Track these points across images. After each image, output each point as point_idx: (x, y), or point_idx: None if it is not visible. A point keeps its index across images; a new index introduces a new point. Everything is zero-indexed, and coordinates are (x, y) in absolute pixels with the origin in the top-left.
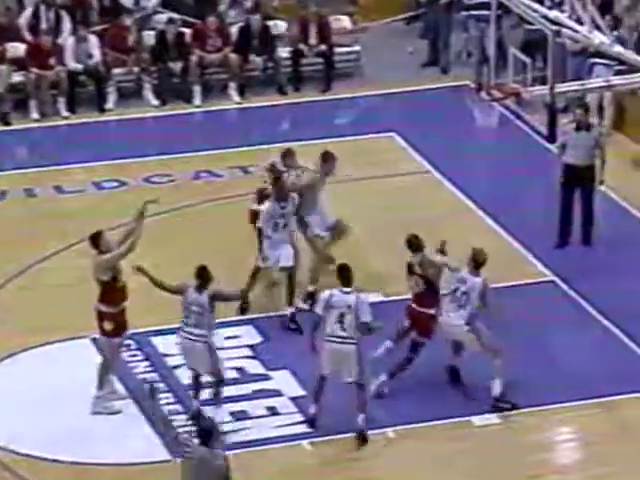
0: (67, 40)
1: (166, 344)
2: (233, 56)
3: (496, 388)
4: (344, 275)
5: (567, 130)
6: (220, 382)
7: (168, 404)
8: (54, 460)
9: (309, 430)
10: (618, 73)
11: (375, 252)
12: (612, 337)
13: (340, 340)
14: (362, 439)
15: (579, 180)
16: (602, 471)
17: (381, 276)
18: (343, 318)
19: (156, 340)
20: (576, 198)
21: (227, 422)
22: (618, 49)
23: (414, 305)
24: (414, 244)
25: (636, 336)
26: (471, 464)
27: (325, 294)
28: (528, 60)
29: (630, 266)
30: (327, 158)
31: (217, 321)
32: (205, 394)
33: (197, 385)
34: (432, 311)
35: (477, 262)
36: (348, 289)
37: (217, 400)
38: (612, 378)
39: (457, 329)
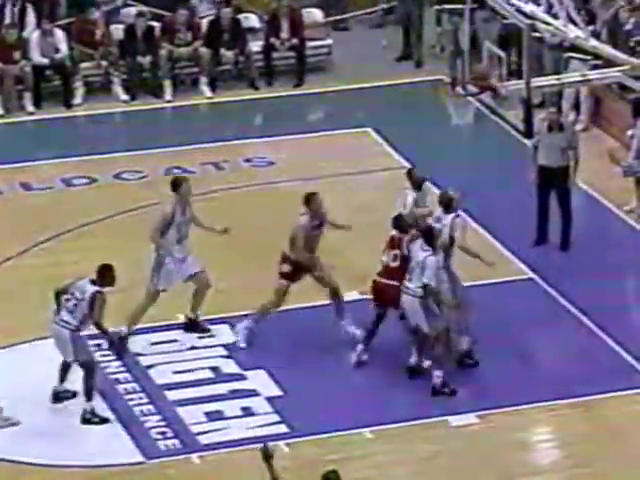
0: (32, 34)
1: (139, 344)
2: (203, 50)
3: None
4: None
5: (539, 130)
6: (89, 373)
7: (141, 404)
8: (25, 462)
9: (286, 431)
10: (594, 68)
11: (351, 251)
12: (592, 335)
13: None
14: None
15: (553, 182)
16: (582, 471)
17: (358, 275)
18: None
19: (129, 340)
20: (553, 198)
21: (202, 422)
22: (593, 43)
23: (382, 279)
24: (401, 225)
25: (616, 334)
26: (448, 465)
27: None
28: (503, 54)
29: (608, 263)
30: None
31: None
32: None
33: (63, 372)
34: (398, 283)
35: (443, 203)
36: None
37: (88, 393)
38: (592, 377)
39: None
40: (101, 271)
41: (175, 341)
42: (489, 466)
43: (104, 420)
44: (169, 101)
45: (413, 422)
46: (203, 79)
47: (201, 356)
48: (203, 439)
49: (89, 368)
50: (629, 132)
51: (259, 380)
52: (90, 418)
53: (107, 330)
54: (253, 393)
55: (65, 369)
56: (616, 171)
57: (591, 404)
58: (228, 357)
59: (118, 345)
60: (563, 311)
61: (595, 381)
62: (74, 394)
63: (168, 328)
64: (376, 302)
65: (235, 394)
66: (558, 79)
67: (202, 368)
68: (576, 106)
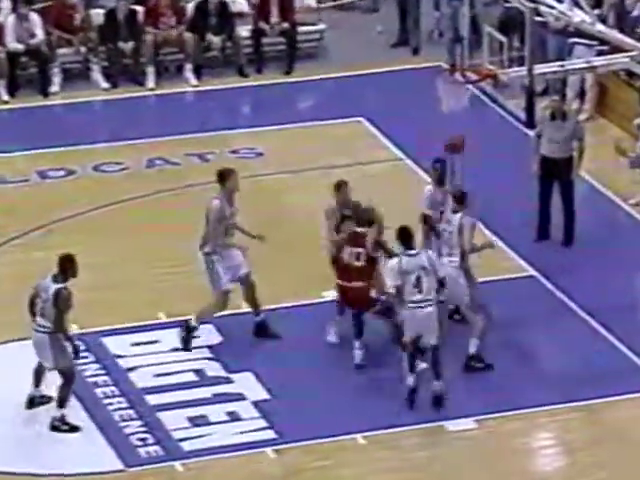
0: (7, 18)
1: (119, 345)
2: (188, 35)
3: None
4: (406, 237)
5: (542, 119)
6: (67, 381)
7: (120, 409)
8: (6, 472)
9: (273, 436)
10: (600, 54)
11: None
12: (596, 335)
13: (419, 305)
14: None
15: (555, 173)
16: (585, 478)
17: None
18: (420, 281)
19: (108, 341)
20: (556, 190)
21: (185, 428)
22: (600, 28)
23: (346, 282)
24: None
25: (621, 334)
26: (445, 472)
27: (392, 262)
28: (504, 40)
29: (613, 259)
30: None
31: (173, 319)
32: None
33: (38, 376)
34: (364, 284)
35: (457, 199)
36: (414, 251)
37: (60, 400)
38: (596, 379)
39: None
40: (62, 264)
41: (157, 342)
42: (488, 473)
43: (74, 428)
44: (152, 89)
45: (408, 427)
46: (188, 66)
47: (184, 358)
48: (186, 445)
49: (68, 376)
50: (636, 121)
51: (245, 383)
52: (59, 426)
53: (69, 334)
54: (239, 397)
55: (39, 373)
56: (622, 162)
57: (595, 407)
58: (213, 359)
59: (185, 335)
60: (565, 310)
61: (599, 383)
62: (50, 399)
63: (150, 328)
64: (347, 305)
65: (220, 398)
66: (562, 66)
67: (185, 371)
68: (580, 94)
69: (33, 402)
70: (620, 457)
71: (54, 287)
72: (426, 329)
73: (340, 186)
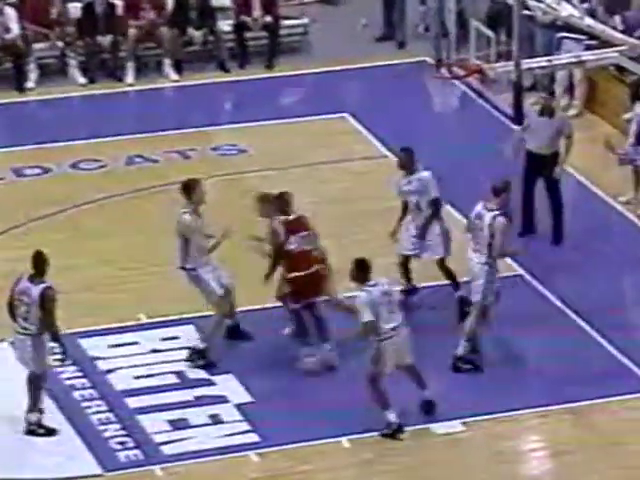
0: None
1: (97, 346)
2: (166, 30)
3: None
4: (365, 269)
5: (528, 113)
6: (39, 385)
7: (99, 412)
8: None
9: (256, 440)
10: (589, 48)
11: (327, 245)
12: (585, 336)
13: (396, 331)
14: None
15: (541, 170)
16: None
17: (337, 269)
18: (390, 306)
19: (85, 342)
20: (541, 187)
21: (165, 431)
22: (588, 22)
23: (302, 272)
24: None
25: (610, 334)
26: (431, 476)
27: (363, 296)
28: (491, 34)
29: (602, 258)
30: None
31: (154, 320)
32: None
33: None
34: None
35: (495, 189)
36: (372, 282)
37: (34, 403)
38: (585, 381)
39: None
40: (36, 263)
41: (136, 343)
42: (475, 477)
43: (51, 431)
44: (131, 84)
45: None
46: (167, 61)
47: (165, 360)
48: (167, 449)
49: (39, 380)
50: (626, 116)
51: (228, 385)
52: (35, 429)
53: (59, 335)
54: (221, 399)
55: None
56: (612, 159)
57: (584, 410)
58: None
59: (205, 362)
60: (554, 310)
61: (588, 385)
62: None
63: (129, 329)
64: (302, 298)
65: (202, 401)
66: (550, 61)
67: (166, 373)
68: (569, 90)
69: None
70: (609, 461)
71: (38, 288)
72: (405, 352)
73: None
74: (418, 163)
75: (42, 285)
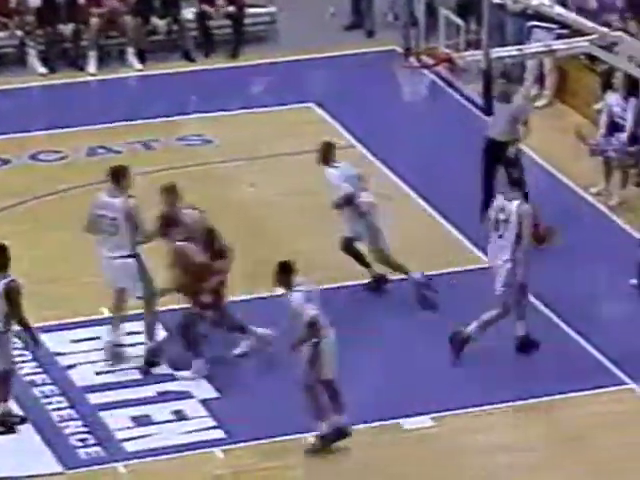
0: None
1: (58, 341)
2: (128, 18)
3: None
4: (289, 271)
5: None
6: (7, 381)
7: (59, 409)
8: None
9: (221, 436)
10: (559, 37)
11: (294, 237)
12: (556, 330)
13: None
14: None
15: (500, 156)
16: (542, 478)
17: (300, 263)
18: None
19: (46, 337)
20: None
21: (128, 428)
22: (559, 10)
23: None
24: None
25: (581, 328)
26: (400, 472)
27: (298, 296)
28: (461, 23)
29: (573, 250)
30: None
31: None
32: None
33: None
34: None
35: (511, 182)
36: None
37: (3, 398)
38: (554, 376)
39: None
40: None
41: (98, 338)
42: (444, 473)
43: (22, 420)
44: (93, 74)
45: (362, 425)
46: (130, 50)
47: (127, 355)
48: (129, 446)
49: (7, 376)
50: (597, 106)
51: (192, 381)
52: (6, 420)
53: (30, 326)
54: (185, 395)
55: None
56: (583, 149)
57: (553, 405)
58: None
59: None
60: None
61: (558, 380)
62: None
63: (91, 324)
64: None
65: (165, 396)
66: (520, 50)
67: (128, 368)
68: (540, 79)
69: None
70: (577, 456)
71: (1, 283)
72: (333, 359)
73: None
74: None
75: (5, 280)
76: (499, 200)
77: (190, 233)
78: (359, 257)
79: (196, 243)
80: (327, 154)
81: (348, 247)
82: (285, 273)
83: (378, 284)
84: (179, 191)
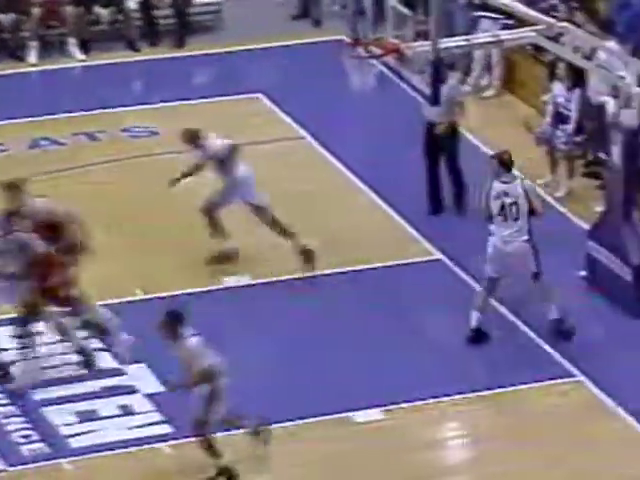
0: None
1: (1, 338)
2: (70, 8)
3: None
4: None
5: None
6: None
7: (1, 405)
8: None
9: (169, 431)
10: (506, 27)
11: (241, 229)
12: (503, 321)
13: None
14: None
15: (439, 140)
16: (495, 470)
17: (249, 256)
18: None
19: None
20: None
21: (73, 424)
22: (505, 0)
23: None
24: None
25: (529, 319)
26: (350, 466)
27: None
28: (409, 13)
29: None
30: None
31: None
32: None
33: None
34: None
35: (504, 164)
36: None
37: None
38: (504, 367)
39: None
40: None
41: (41, 333)
42: (395, 466)
43: None
44: (34, 65)
45: (312, 419)
46: (72, 40)
47: (71, 350)
48: (74, 442)
49: None
50: (545, 97)
51: (138, 375)
52: None
53: None
54: (131, 390)
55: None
56: (531, 141)
57: (503, 397)
58: (102, 350)
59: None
60: (473, 295)
61: (508, 372)
62: None
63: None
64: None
65: (111, 391)
66: (468, 40)
67: (73, 363)
68: (489, 70)
69: None
70: (528, 448)
71: None
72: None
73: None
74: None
75: None
76: (497, 187)
77: (37, 225)
78: (214, 223)
79: (42, 235)
80: (193, 139)
81: (208, 211)
82: (176, 323)
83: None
84: (22, 185)
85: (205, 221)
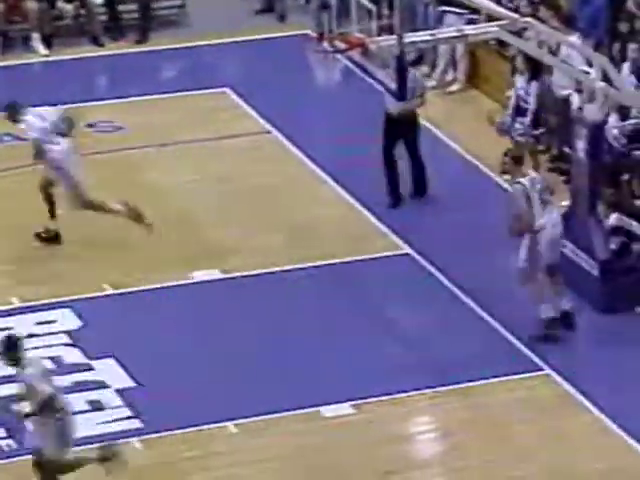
0: None
1: None
2: (32, 3)
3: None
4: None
5: (388, 75)
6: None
7: None
8: None
9: (139, 426)
10: (470, 22)
11: (210, 224)
12: (472, 316)
13: None
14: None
15: (398, 130)
16: (465, 464)
17: (218, 250)
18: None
19: None
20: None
21: None
22: None
23: None
24: None
25: (498, 313)
26: (320, 461)
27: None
28: (373, 7)
29: (488, 233)
30: None
31: (26, 304)
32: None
33: None
34: None
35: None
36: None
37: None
38: (473, 361)
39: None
40: None
41: (9, 329)
42: (365, 461)
43: None
44: None
45: (282, 414)
46: (35, 35)
47: (40, 345)
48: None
49: None
50: (509, 93)
51: (108, 370)
52: None
53: None
54: (101, 385)
55: None
56: (497, 135)
57: (472, 391)
58: (71, 345)
59: None
60: (441, 289)
61: (477, 365)
62: None
63: (2, 314)
64: None
65: (80, 386)
66: (433, 35)
67: (42, 358)
68: (453, 64)
69: None
70: (498, 441)
71: None
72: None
73: None
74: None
75: None
76: (537, 183)
77: None
78: (51, 202)
79: None
80: (13, 116)
81: (45, 188)
82: (14, 350)
83: (47, 239)
84: None
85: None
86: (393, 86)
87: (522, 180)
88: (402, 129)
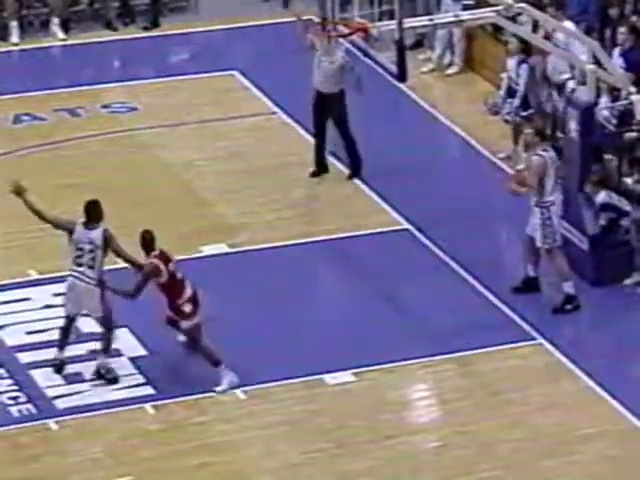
0: None
1: None
2: None
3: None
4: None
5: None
6: (110, 330)
7: None
8: None
9: (152, 392)
10: (467, 8)
11: (219, 200)
12: (468, 287)
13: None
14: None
15: (327, 108)
16: (461, 430)
17: (226, 226)
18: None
19: None
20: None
21: (59, 386)
22: None
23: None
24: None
25: (492, 285)
26: (324, 425)
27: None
28: None
29: (484, 210)
30: None
31: (43, 276)
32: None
33: (66, 334)
34: None
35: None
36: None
37: (106, 349)
38: (469, 331)
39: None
40: (89, 209)
41: (28, 299)
42: (366, 426)
43: (113, 380)
44: (16, 44)
45: (287, 381)
46: (54, 20)
47: (57, 315)
48: (60, 403)
49: (110, 322)
50: (503, 75)
51: (122, 339)
52: (104, 374)
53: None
54: (115, 353)
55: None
56: (492, 117)
57: (468, 359)
58: (87, 315)
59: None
60: (439, 262)
61: (472, 335)
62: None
63: (20, 285)
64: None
65: (95, 355)
66: (431, 20)
67: (59, 328)
68: (450, 48)
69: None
70: (492, 408)
71: (100, 231)
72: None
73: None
74: None
75: (102, 230)
76: (555, 161)
77: None
78: None
79: None
80: None
81: None
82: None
83: None
84: None
85: None
86: (393, 69)
87: (543, 153)
88: (330, 106)
